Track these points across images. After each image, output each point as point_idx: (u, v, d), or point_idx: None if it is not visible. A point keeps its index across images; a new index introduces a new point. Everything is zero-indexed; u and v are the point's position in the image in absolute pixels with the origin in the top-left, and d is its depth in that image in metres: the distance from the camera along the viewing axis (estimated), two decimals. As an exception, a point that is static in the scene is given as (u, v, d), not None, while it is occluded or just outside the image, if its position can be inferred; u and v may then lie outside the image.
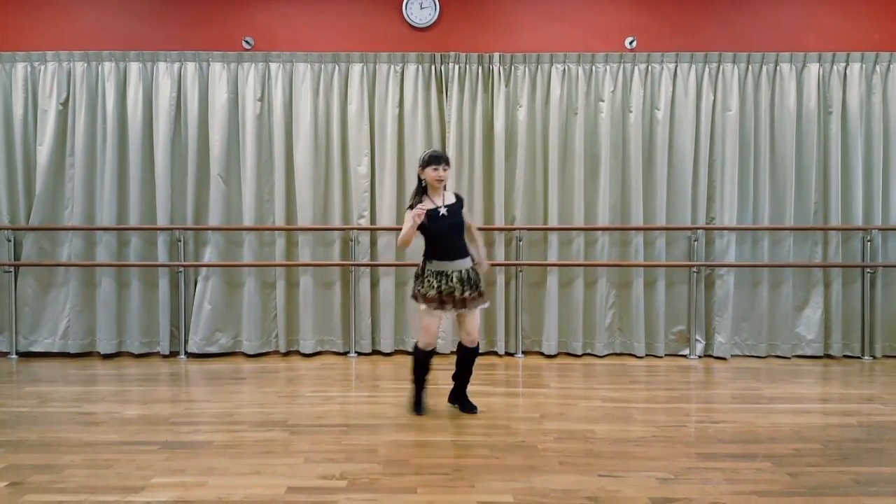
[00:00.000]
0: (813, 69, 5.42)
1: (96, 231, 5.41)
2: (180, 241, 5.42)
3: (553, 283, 5.44)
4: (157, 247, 5.42)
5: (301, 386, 4.58)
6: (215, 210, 5.41)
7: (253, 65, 5.42)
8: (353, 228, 5.43)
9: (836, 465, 3.08)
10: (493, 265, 5.26)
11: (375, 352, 5.54)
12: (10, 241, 5.41)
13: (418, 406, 3.90)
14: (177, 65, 5.41)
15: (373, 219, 5.50)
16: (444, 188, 3.79)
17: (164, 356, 5.44)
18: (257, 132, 5.41)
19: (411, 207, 3.69)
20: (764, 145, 5.42)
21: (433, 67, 5.45)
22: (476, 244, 3.87)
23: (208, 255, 5.45)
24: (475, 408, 3.91)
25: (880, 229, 5.43)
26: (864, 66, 5.42)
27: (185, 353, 5.44)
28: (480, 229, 3.96)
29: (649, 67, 5.44)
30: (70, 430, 3.57)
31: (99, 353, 5.44)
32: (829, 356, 5.47)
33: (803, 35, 5.51)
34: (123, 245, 5.46)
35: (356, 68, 5.43)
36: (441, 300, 3.66)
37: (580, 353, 5.46)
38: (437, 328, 3.76)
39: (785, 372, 5.02)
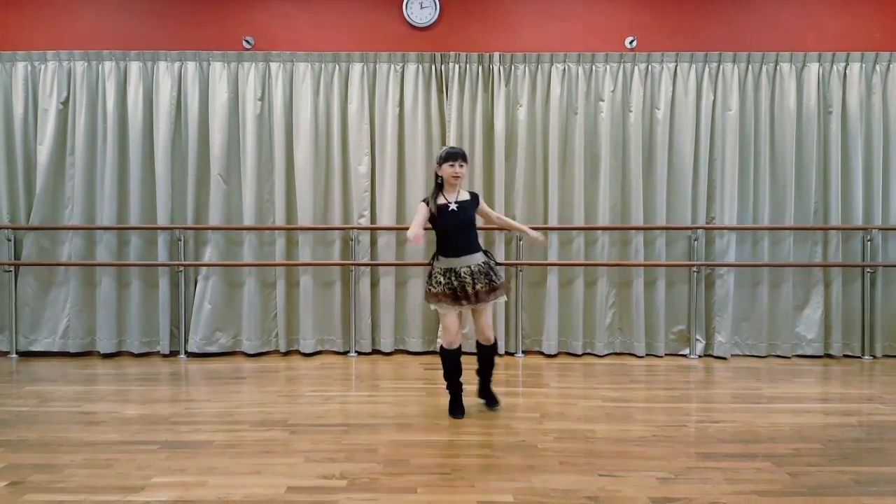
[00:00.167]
0: (813, 69, 5.43)
1: (96, 230, 5.41)
2: (180, 240, 5.42)
3: (553, 283, 5.44)
4: (157, 246, 5.42)
5: (301, 385, 4.58)
6: (215, 209, 5.41)
7: (253, 64, 5.42)
8: (353, 228, 5.43)
9: (836, 465, 3.08)
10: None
11: (375, 351, 5.54)
12: (10, 240, 5.41)
13: (455, 408, 3.82)
14: (177, 64, 5.41)
15: (373, 218, 5.50)
16: (460, 185, 3.81)
17: (164, 356, 5.44)
18: (257, 132, 5.41)
19: (426, 201, 3.75)
20: (764, 145, 5.42)
21: (433, 67, 5.45)
22: (514, 226, 3.97)
23: (208, 255, 5.45)
24: (496, 402, 3.95)
25: (880, 229, 5.43)
26: (863, 65, 5.42)
27: (185, 352, 5.45)
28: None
29: (649, 67, 5.44)
30: (70, 430, 3.58)
31: (99, 352, 5.44)
32: (829, 356, 5.48)
33: (803, 35, 5.51)
34: (123, 244, 5.46)
35: (356, 68, 5.43)
36: (454, 296, 3.65)
37: (580, 352, 5.46)
38: (458, 325, 3.71)
39: (785, 371, 5.02)
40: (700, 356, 5.46)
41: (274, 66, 5.43)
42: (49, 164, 5.36)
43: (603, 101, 5.42)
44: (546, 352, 5.47)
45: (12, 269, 5.40)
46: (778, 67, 5.44)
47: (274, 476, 2.95)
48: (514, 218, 5.42)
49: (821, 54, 5.43)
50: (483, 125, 5.45)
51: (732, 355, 5.45)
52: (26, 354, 5.46)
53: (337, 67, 5.44)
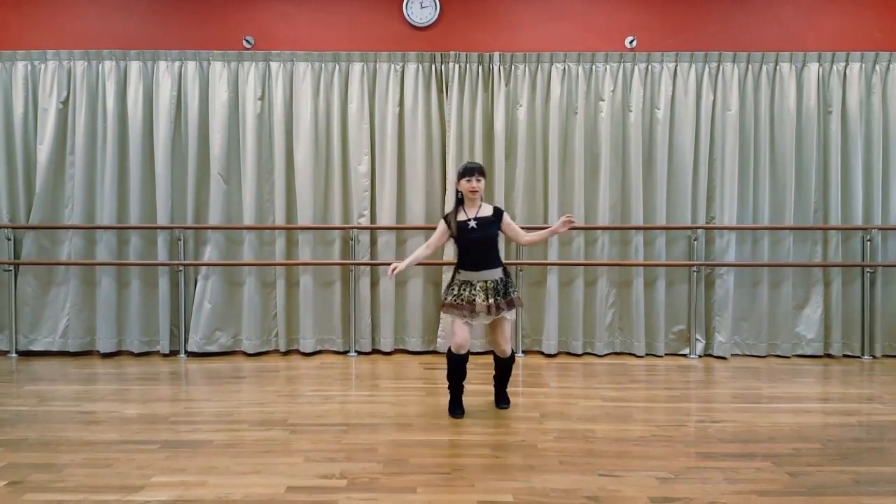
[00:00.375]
0: (813, 69, 5.43)
1: (96, 230, 5.41)
2: (180, 240, 5.42)
3: (553, 283, 5.44)
4: (157, 246, 5.42)
5: (301, 385, 4.58)
6: (215, 209, 5.41)
7: (253, 64, 5.42)
8: (353, 228, 5.43)
9: (836, 465, 3.08)
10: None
11: (375, 351, 5.54)
12: (10, 239, 5.41)
13: (453, 408, 3.87)
14: (177, 64, 5.41)
15: (373, 218, 5.50)
16: (482, 200, 3.84)
17: (164, 355, 5.44)
18: (257, 131, 5.41)
19: (445, 218, 3.85)
20: (764, 145, 5.42)
21: (433, 67, 5.45)
22: (545, 236, 3.92)
23: (208, 254, 5.45)
24: (506, 403, 3.99)
25: (880, 229, 5.43)
26: (863, 65, 5.42)
27: (185, 352, 5.45)
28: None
29: (649, 67, 5.44)
30: (70, 429, 3.58)
31: (99, 351, 5.44)
32: (828, 356, 5.48)
33: (803, 34, 5.51)
34: (123, 244, 5.46)
35: (356, 67, 5.43)
36: (469, 309, 3.70)
37: (580, 352, 5.46)
38: (467, 334, 3.76)
39: (785, 371, 5.02)
40: (700, 356, 5.46)
41: (274, 65, 5.42)
42: (49, 164, 5.36)
43: (603, 100, 5.42)
44: (546, 351, 5.47)
45: (12, 268, 5.40)
46: (778, 67, 5.44)
47: (274, 476, 2.95)
48: (514, 218, 5.40)
49: (821, 54, 5.43)
50: (483, 125, 5.45)
51: (732, 355, 5.46)
52: (26, 354, 5.46)
53: (337, 67, 5.44)
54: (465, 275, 3.76)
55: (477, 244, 3.75)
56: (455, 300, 3.72)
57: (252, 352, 5.44)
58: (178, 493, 2.77)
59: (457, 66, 5.42)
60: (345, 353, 5.49)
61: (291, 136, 5.44)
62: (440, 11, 5.49)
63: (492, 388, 4.11)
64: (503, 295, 3.73)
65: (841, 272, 5.46)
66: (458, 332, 3.72)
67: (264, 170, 5.46)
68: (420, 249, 3.90)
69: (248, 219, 5.42)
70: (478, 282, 3.72)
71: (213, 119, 5.39)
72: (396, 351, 5.55)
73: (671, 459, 3.15)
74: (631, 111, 5.42)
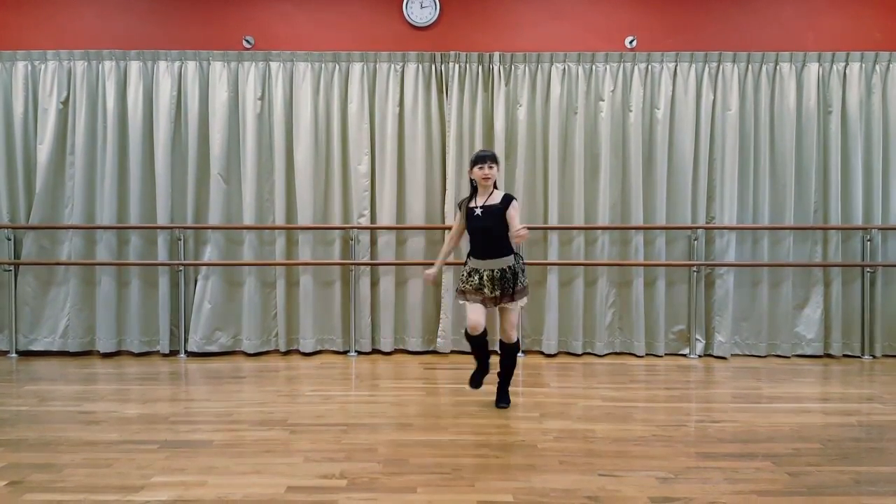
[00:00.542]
0: (813, 69, 5.43)
1: (96, 230, 5.41)
2: (180, 239, 5.42)
3: (553, 283, 5.44)
4: (157, 245, 5.42)
5: (301, 385, 4.58)
6: (215, 209, 5.41)
7: (253, 64, 5.42)
8: (353, 227, 5.43)
9: (836, 465, 3.08)
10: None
11: (375, 351, 5.54)
12: (10, 239, 5.41)
13: (473, 380, 3.96)
14: (177, 64, 5.41)
15: (373, 218, 5.50)
16: (495, 187, 3.88)
17: (164, 355, 5.44)
18: (258, 131, 5.41)
19: (459, 204, 3.98)
20: (764, 145, 5.42)
21: (433, 67, 5.45)
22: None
23: (208, 254, 5.45)
24: (506, 403, 3.98)
25: (880, 229, 5.43)
26: (863, 65, 5.42)
27: (185, 352, 5.45)
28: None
29: (649, 67, 5.44)
30: (70, 429, 3.57)
31: (99, 351, 5.44)
32: (828, 355, 5.48)
33: (803, 34, 5.51)
34: (123, 244, 5.46)
35: (356, 67, 5.43)
36: (478, 296, 3.77)
37: (580, 352, 5.46)
38: (479, 315, 3.78)
39: (785, 371, 5.02)
40: (700, 356, 5.46)
41: (274, 65, 5.42)
42: (49, 164, 5.36)
43: (603, 100, 5.42)
44: (546, 351, 5.47)
45: (12, 268, 5.40)
46: (778, 67, 5.44)
47: (274, 476, 2.94)
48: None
49: (821, 54, 5.43)
50: (483, 125, 5.45)
51: (732, 355, 5.46)
52: (26, 354, 5.46)
53: (337, 67, 5.44)
54: (473, 262, 3.83)
55: (481, 232, 3.78)
56: (463, 286, 3.84)
57: (252, 352, 5.44)
58: (178, 493, 2.77)
59: (457, 66, 5.42)
60: (345, 353, 5.49)
61: (291, 136, 5.44)
62: (440, 11, 5.49)
63: (492, 388, 4.11)
64: (512, 284, 3.74)
65: (841, 272, 5.46)
66: (469, 314, 3.79)
67: (264, 170, 5.46)
68: (445, 245, 4.08)
69: (248, 219, 5.42)
70: (484, 270, 3.76)
71: (213, 119, 5.39)
72: (396, 351, 5.55)
73: (671, 459, 3.14)
74: (631, 111, 5.42)
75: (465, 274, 3.85)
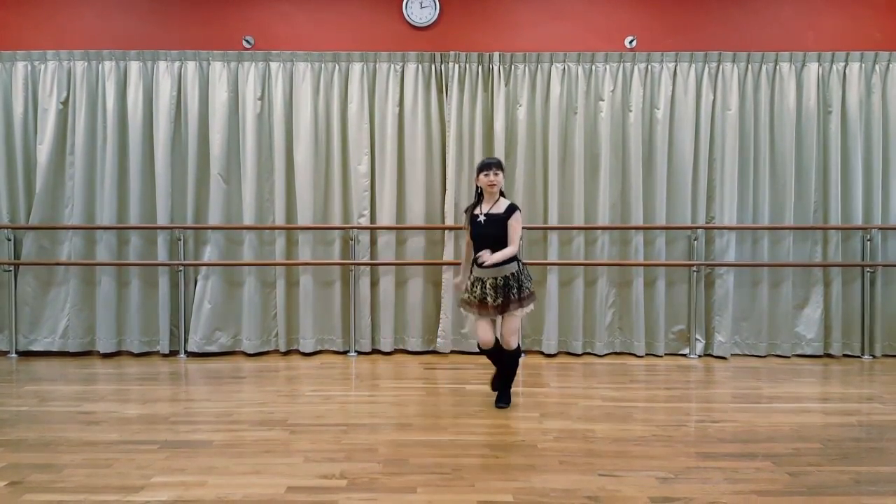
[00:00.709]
0: (812, 69, 5.43)
1: (96, 230, 5.41)
2: (180, 240, 5.42)
3: (553, 283, 5.44)
4: (157, 246, 5.42)
5: (301, 385, 4.58)
6: (215, 209, 5.41)
7: (253, 64, 5.42)
8: (353, 227, 5.43)
9: (836, 465, 3.08)
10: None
11: (375, 351, 5.54)
12: (9, 239, 5.41)
13: (494, 384, 4.08)
14: (177, 64, 5.41)
15: (373, 218, 5.50)
16: (502, 194, 3.89)
17: (164, 355, 5.44)
18: (257, 131, 5.41)
19: (466, 212, 3.98)
20: (763, 145, 5.42)
21: (433, 67, 5.45)
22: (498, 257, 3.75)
23: (208, 254, 5.45)
24: (504, 404, 3.97)
25: (880, 228, 5.43)
26: (863, 65, 5.42)
27: (185, 352, 5.45)
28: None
29: (649, 67, 5.44)
30: (70, 430, 3.57)
31: (99, 352, 5.44)
32: (828, 355, 5.48)
33: (803, 34, 5.51)
34: (123, 244, 5.46)
35: (356, 67, 5.43)
36: (482, 307, 3.77)
37: (580, 352, 5.46)
38: (488, 332, 3.83)
39: (785, 371, 5.02)
40: (700, 356, 5.46)
41: (274, 65, 5.42)
42: (49, 164, 5.36)
43: (603, 100, 5.42)
44: (546, 351, 5.47)
45: (12, 268, 5.40)
46: (778, 67, 5.44)
47: (274, 476, 2.94)
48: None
49: (820, 54, 5.43)
50: (483, 125, 5.45)
51: (732, 355, 5.46)
52: (26, 354, 5.46)
53: (337, 67, 5.44)
54: (477, 271, 3.82)
55: (483, 240, 3.78)
56: (469, 297, 3.84)
57: (252, 352, 5.44)
58: (178, 493, 2.77)
59: (457, 66, 5.42)
60: (345, 353, 5.49)
61: (291, 136, 5.44)
62: (440, 11, 5.49)
63: (489, 389, 4.11)
64: (517, 291, 3.75)
65: (841, 272, 5.46)
66: (479, 333, 3.85)
67: (264, 170, 5.46)
68: (464, 253, 4.04)
69: (248, 219, 5.42)
70: (488, 279, 3.76)
71: (212, 119, 5.39)
72: (396, 351, 5.55)
73: (671, 459, 3.15)
74: (631, 111, 5.42)
75: (469, 283, 3.87)
